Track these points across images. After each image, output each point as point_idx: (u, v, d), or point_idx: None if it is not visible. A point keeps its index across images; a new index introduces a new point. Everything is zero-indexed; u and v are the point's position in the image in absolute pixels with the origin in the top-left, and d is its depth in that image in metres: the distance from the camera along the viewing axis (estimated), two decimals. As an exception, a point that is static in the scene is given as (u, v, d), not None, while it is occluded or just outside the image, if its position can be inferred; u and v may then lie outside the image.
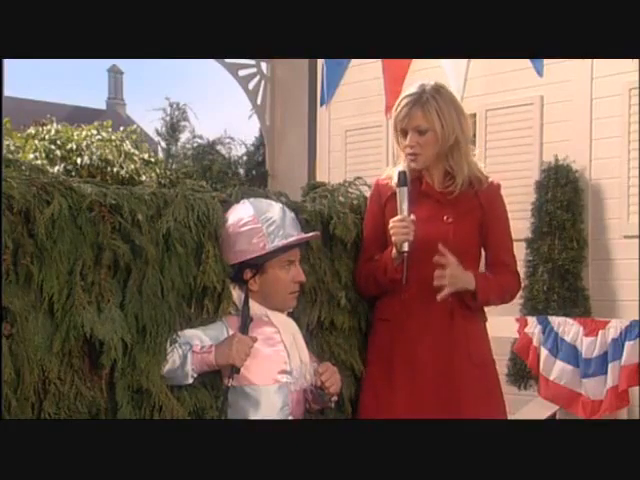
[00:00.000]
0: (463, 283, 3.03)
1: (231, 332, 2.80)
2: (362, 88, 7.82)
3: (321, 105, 8.03)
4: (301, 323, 2.99)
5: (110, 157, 11.74)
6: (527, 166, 6.91)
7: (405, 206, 3.05)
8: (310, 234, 2.96)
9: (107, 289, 2.60)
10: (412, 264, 3.03)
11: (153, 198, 2.76)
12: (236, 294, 2.87)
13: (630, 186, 6.39)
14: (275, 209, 2.89)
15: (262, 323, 2.87)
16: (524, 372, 6.27)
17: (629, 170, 6.40)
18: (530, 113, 6.99)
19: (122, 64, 39.33)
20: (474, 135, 5.14)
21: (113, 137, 12.34)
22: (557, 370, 5.30)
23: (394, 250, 3.05)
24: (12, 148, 11.46)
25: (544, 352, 5.35)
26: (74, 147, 11.71)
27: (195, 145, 12.99)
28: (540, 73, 6.12)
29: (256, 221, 2.85)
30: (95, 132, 12.26)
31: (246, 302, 2.86)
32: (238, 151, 12.34)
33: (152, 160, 12.62)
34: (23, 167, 2.69)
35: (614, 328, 5.15)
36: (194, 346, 2.72)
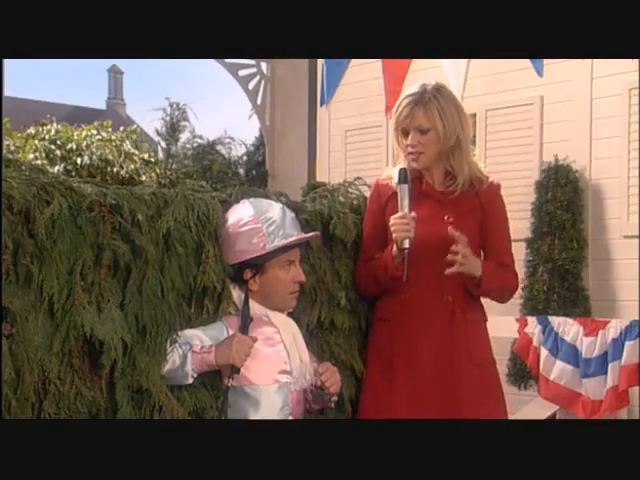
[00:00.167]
0: (472, 266, 3.04)
1: (231, 332, 2.79)
2: (362, 88, 7.81)
3: (321, 105, 8.01)
4: (301, 323, 2.99)
5: (110, 157, 11.74)
6: (527, 166, 6.90)
7: (406, 203, 3.05)
8: (310, 234, 2.96)
9: (107, 289, 2.60)
10: (412, 264, 3.03)
11: (153, 198, 2.76)
12: (236, 294, 2.87)
13: (630, 186, 6.39)
14: (275, 209, 2.89)
15: (262, 323, 2.87)
16: (524, 372, 6.26)
17: (629, 170, 6.39)
18: (530, 113, 6.98)
19: (122, 64, 39.40)
20: (474, 135, 5.13)
21: (113, 137, 12.34)
22: (557, 370, 5.29)
23: (395, 248, 3.05)
24: (12, 148, 11.46)
25: (544, 352, 5.34)
26: (74, 147, 11.71)
27: (195, 145, 12.99)
28: (540, 73, 6.10)
29: (256, 221, 2.84)
30: (95, 132, 12.26)
31: (246, 302, 2.86)
32: (238, 151, 12.35)
33: (152, 160, 12.62)
34: (23, 167, 2.69)
35: (614, 328, 5.15)
36: (194, 346, 2.72)
